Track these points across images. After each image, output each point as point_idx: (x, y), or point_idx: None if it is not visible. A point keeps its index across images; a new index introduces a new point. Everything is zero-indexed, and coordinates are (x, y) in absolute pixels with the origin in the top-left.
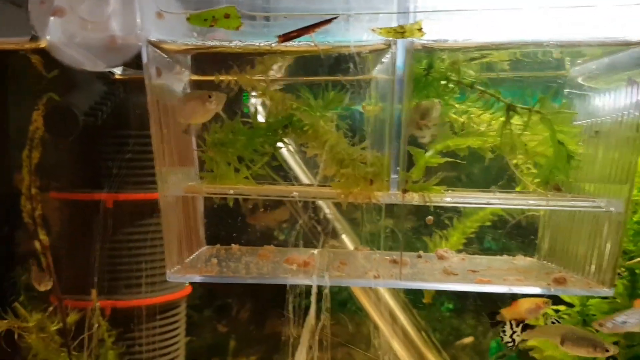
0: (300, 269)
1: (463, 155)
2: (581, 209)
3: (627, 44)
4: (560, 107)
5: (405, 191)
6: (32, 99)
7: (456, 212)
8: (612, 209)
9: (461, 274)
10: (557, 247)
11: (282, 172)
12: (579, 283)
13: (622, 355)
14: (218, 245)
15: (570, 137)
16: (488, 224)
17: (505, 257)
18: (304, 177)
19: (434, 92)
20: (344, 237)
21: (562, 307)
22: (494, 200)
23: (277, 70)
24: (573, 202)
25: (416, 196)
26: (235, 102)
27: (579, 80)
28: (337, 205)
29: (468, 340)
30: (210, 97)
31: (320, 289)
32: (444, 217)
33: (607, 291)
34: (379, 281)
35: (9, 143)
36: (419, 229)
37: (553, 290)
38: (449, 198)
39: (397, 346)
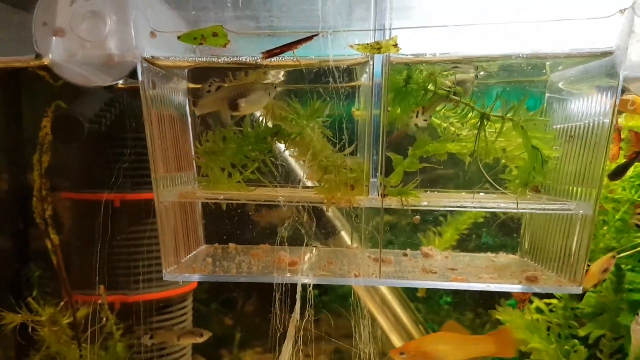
0: (288, 268)
1: (442, 160)
2: (552, 211)
3: (594, 55)
4: (534, 113)
5: (384, 195)
6: (44, 104)
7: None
8: (581, 211)
9: (440, 272)
10: (536, 244)
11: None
12: (550, 281)
13: (607, 347)
14: (216, 244)
15: (544, 142)
16: (481, 220)
17: (488, 254)
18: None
19: (413, 101)
20: (342, 233)
21: (554, 301)
22: (467, 203)
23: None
24: (544, 205)
25: (394, 200)
26: None
27: (559, 85)
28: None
29: None
30: (275, 87)
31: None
32: (439, 215)
33: (576, 289)
34: (359, 279)
35: (23, 145)
36: (416, 226)
37: (525, 288)
38: (425, 202)
39: (395, 339)
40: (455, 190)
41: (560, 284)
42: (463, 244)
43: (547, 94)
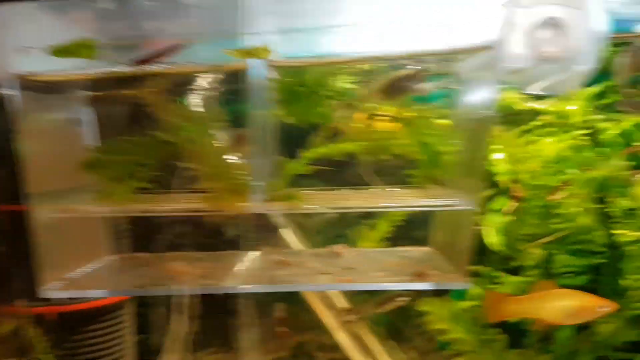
0: (177, 278)
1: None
2: (434, 209)
3: (476, 50)
4: (421, 110)
5: (268, 201)
6: None
7: None
8: (464, 207)
9: (335, 272)
10: (442, 238)
11: None
12: (439, 277)
13: (537, 333)
14: (124, 254)
15: (436, 138)
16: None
17: (402, 248)
18: None
19: (304, 103)
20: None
21: None
22: (352, 204)
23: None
24: (427, 202)
25: (280, 205)
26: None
27: (462, 75)
28: None
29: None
30: None
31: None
32: None
33: (461, 284)
34: (247, 286)
35: None
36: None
37: (415, 285)
38: (307, 205)
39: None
40: (365, 187)
41: (450, 279)
42: (397, 238)
43: (450, 86)
